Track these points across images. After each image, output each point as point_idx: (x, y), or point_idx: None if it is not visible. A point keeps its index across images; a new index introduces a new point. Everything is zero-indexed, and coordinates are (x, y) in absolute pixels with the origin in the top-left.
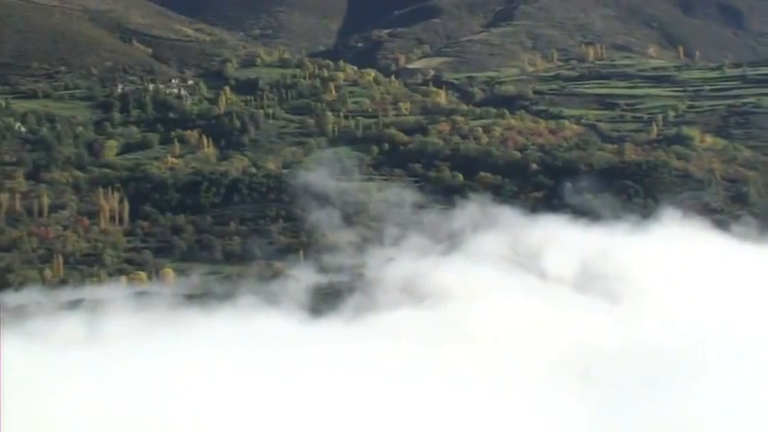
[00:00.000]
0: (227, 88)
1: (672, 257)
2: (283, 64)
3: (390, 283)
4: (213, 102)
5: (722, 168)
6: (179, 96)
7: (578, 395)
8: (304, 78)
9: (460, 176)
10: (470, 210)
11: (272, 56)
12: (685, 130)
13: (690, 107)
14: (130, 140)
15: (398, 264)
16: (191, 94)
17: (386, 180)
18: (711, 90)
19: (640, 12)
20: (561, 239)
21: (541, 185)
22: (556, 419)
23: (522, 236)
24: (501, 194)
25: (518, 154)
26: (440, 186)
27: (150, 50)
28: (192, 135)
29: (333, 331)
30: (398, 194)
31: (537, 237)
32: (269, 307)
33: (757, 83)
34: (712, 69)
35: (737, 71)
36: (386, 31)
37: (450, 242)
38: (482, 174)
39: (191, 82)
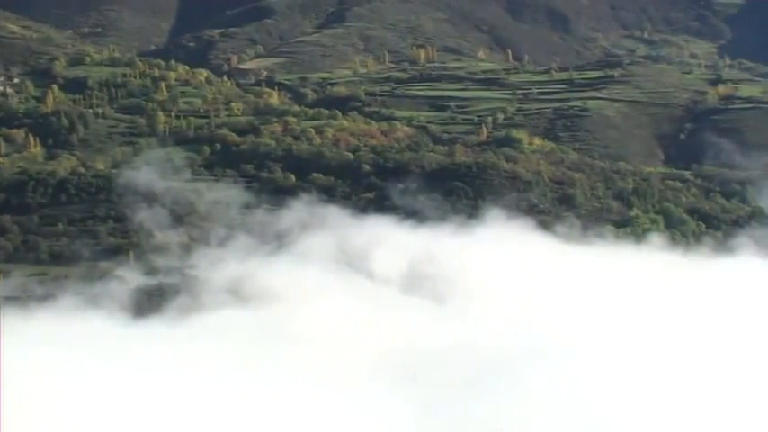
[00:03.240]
0: (54, 87)
1: (497, 258)
2: (113, 63)
3: (217, 283)
4: (40, 100)
5: (549, 170)
6: (4, 94)
7: (403, 396)
8: (134, 78)
9: (293, 177)
10: (299, 210)
11: (101, 54)
12: (514, 133)
13: (518, 110)
14: None
15: (226, 264)
16: (17, 93)
17: (217, 181)
18: (539, 93)
19: (471, 15)
20: (389, 241)
21: (373, 186)
22: (380, 420)
23: (350, 237)
24: (333, 195)
25: (350, 155)
26: (272, 187)
27: None
28: (19, 134)
29: (154, 332)
30: (229, 195)
31: (365, 238)
32: (91, 308)
33: (583, 86)
34: (540, 73)
35: (564, 75)
36: (218, 30)
37: (279, 242)
38: (314, 175)
39: (17, 80)
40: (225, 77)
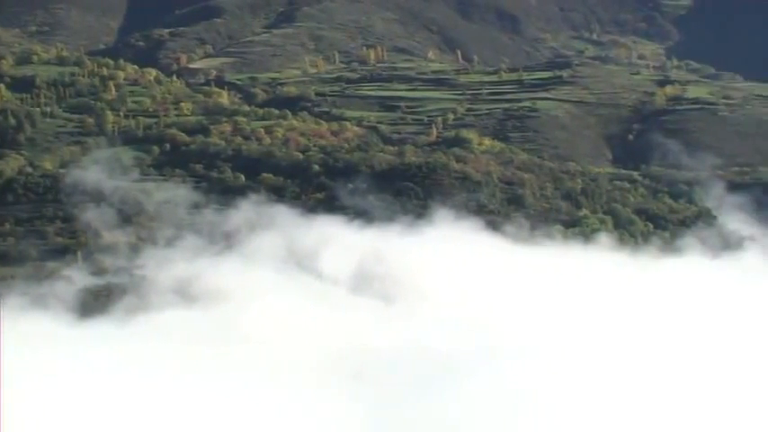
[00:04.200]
0: (1, 85)
1: (446, 258)
2: (61, 62)
3: (165, 283)
4: None
5: (499, 171)
6: None
7: (351, 396)
8: (83, 77)
9: (242, 177)
10: (248, 210)
11: (49, 53)
12: (464, 133)
13: (468, 110)
14: None
15: (174, 264)
16: None
17: (166, 180)
18: (489, 94)
19: (421, 16)
20: (339, 241)
21: (323, 186)
22: (328, 420)
23: (299, 237)
24: (282, 195)
25: (300, 155)
26: (221, 187)
27: None
28: None
29: (101, 333)
30: (178, 195)
31: (314, 238)
32: (38, 308)
33: (533, 87)
34: (490, 74)
35: (514, 76)
36: (167, 30)
37: (227, 242)
38: (264, 175)
39: None
40: (174, 77)
